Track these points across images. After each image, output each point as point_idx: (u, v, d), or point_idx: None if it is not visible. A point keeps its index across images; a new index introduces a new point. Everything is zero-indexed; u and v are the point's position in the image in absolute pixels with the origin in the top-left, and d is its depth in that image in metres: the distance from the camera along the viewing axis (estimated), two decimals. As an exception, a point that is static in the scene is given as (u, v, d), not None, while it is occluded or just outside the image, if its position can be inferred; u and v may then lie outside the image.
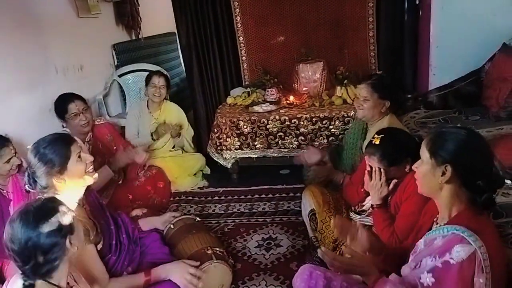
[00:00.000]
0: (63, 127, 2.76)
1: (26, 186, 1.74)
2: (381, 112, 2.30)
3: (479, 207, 1.27)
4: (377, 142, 1.84)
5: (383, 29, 3.53)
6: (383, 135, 1.85)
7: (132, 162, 2.94)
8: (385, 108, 2.28)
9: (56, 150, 1.71)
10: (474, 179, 1.25)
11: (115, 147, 3.01)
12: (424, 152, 1.34)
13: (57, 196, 1.70)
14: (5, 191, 2.24)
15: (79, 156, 1.76)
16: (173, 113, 3.56)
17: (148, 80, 3.43)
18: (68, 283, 1.36)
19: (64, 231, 1.31)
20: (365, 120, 2.42)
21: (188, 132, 3.61)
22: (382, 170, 1.85)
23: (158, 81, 3.39)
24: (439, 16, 3.09)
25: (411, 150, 1.70)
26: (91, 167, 1.82)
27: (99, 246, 1.80)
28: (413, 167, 1.43)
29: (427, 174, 1.33)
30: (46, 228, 1.27)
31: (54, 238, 1.28)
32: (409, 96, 3.28)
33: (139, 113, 3.49)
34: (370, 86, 2.30)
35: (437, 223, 1.38)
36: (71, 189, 1.75)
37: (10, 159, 2.17)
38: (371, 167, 1.89)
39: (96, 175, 1.85)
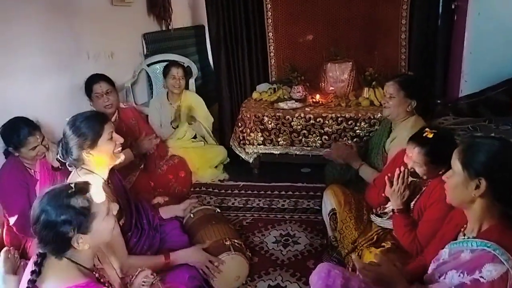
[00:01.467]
0: (90, 105, 2.83)
1: (58, 156, 1.82)
2: (407, 112, 2.27)
3: None
4: (430, 136, 1.75)
5: (415, 32, 3.48)
6: (436, 131, 1.77)
7: (153, 150, 2.99)
8: (410, 107, 2.25)
9: (90, 126, 1.79)
10: (510, 193, 1.19)
11: (138, 131, 3.05)
12: (456, 163, 1.27)
13: (86, 171, 1.77)
14: (32, 171, 2.30)
15: (111, 136, 1.84)
16: (193, 102, 3.59)
17: (166, 72, 3.45)
18: (94, 265, 1.39)
19: (76, 225, 1.25)
20: (390, 119, 2.39)
21: (207, 119, 3.63)
22: (406, 172, 1.81)
23: (177, 72, 3.42)
24: (475, 21, 3.02)
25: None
26: (119, 148, 1.88)
27: (121, 222, 1.86)
28: (443, 177, 1.37)
29: (459, 186, 1.26)
30: (63, 212, 1.23)
31: (63, 227, 1.23)
32: (438, 101, 3.21)
33: (160, 105, 3.54)
34: (397, 84, 2.28)
35: (464, 234, 1.33)
36: (98, 165, 1.82)
37: (36, 147, 2.21)
38: (391, 174, 1.85)
39: (122, 157, 1.91)
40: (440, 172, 1.76)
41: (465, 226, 1.34)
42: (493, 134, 2.41)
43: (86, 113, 1.87)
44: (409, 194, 1.85)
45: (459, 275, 1.19)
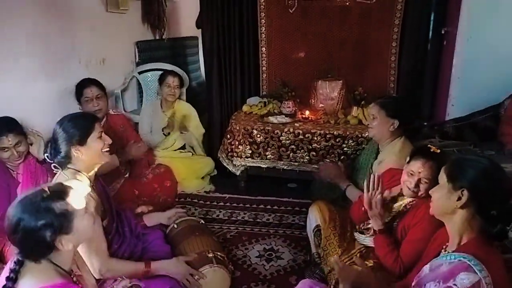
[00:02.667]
0: (79, 109, 2.83)
1: (46, 156, 1.82)
2: (391, 132, 2.31)
3: (490, 237, 1.26)
4: (438, 151, 1.75)
5: (405, 55, 3.54)
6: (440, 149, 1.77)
7: (140, 158, 3.00)
8: (393, 127, 2.29)
9: (80, 123, 1.82)
10: (489, 207, 1.24)
11: (126, 139, 3.04)
12: (442, 176, 1.34)
13: (73, 171, 1.77)
14: (15, 173, 2.26)
15: (100, 135, 1.85)
16: (185, 111, 3.61)
17: (162, 80, 3.48)
18: (72, 270, 1.36)
19: (57, 227, 1.23)
20: (376, 140, 2.44)
21: (197, 129, 3.64)
22: (382, 196, 1.82)
23: (173, 80, 3.45)
24: (464, 47, 3.09)
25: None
26: (108, 149, 1.89)
27: (105, 222, 1.85)
28: (429, 192, 1.42)
29: (443, 196, 1.33)
30: (42, 217, 1.21)
31: (45, 232, 1.22)
32: (425, 124, 3.26)
33: (152, 111, 3.54)
34: (378, 105, 2.35)
35: (445, 250, 1.36)
36: (85, 163, 1.82)
37: (6, 149, 2.15)
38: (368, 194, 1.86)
39: (109, 157, 1.94)
40: (420, 194, 1.78)
41: (447, 244, 1.38)
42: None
43: (76, 113, 1.93)
44: (388, 215, 1.86)
45: (435, 285, 1.22)
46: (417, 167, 1.75)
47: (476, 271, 1.16)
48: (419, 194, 1.78)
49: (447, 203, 1.31)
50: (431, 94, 3.58)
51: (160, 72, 3.71)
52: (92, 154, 1.83)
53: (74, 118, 1.84)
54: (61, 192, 1.29)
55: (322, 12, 3.62)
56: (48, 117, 2.77)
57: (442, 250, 1.38)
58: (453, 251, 1.29)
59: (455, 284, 1.16)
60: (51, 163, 1.81)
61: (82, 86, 2.80)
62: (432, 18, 3.46)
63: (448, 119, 3.22)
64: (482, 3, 3.00)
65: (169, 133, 3.47)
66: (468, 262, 1.18)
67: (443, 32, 3.42)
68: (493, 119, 2.96)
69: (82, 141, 1.79)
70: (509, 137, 2.68)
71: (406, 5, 3.42)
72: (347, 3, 3.56)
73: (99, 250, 1.74)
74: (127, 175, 3.04)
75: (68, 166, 1.80)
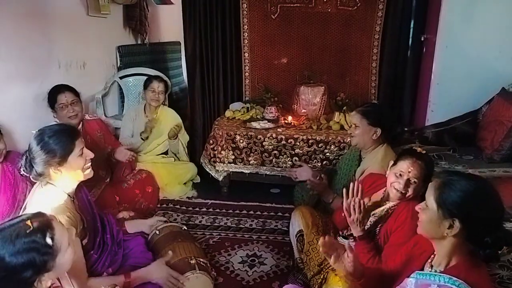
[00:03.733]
0: (54, 117, 2.78)
1: (21, 170, 1.73)
2: (373, 140, 2.32)
3: (480, 259, 1.23)
4: (423, 152, 1.79)
5: (386, 62, 3.60)
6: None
7: (124, 162, 2.97)
8: (375, 135, 2.30)
9: (61, 142, 1.72)
10: (482, 235, 1.20)
11: (104, 143, 3.01)
12: (430, 200, 1.27)
13: (51, 187, 1.69)
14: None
15: (82, 152, 1.78)
16: (169, 118, 3.55)
17: (147, 84, 3.44)
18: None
19: (40, 266, 1.15)
20: (358, 148, 2.45)
21: (184, 137, 3.61)
22: (362, 202, 1.83)
23: (158, 86, 3.41)
24: (443, 54, 3.15)
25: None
26: (89, 163, 1.83)
27: (85, 241, 1.77)
28: (416, 208, 1.37)
29: (433, 222, 1.27)
30: (24, 256, 1.12)
31: (26, 272, 1.12)
32: (405, 129, 3.31)
33: (135, 115, 3.50)
34: (360, 113, 2.36)
35: (431, 265, 1.35)
36: (64, 181, 1.75)
37: None
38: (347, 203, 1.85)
39: (91, 173, 1.86)
40: (408, 195, 1.80)
41: (432, 256, 1.36)
42: (469, 171, 2.40)
43: (55, 127, 1.80)
44: (367, 221, 1.87)
45: None
46: (406, 166, 1.77)
47: None
48: (407, 195, 1.79)
49: (437, 230, 1.26)
50: (411, 100, 3.64)
51: (141, 77, 3.68)
52: (73, 172, 1.76)
53: (53, 136, 1.72)
54: (45, 226, 1.18)
55: (304, 19, 3.66)
56: (26, 122, 2.73)
57: (428, 264, 1.36)
58: (441, 271, 1.26)
59: None
60: (22, 182, 1.75)
61: (55, 92, 2.73)
62: (412, 25, 3.52)
63: (428, 124, 3.28)
64: (458, 12, 3.06)
65: (147, 137, 3.41)
66: None
67: (422, 39, 3.49)
68: (471, 125, 3.02)
69: (62, 161, 1.72)
70: (487, 142, 2.73)
71: (387, 12, 3.49)
72: (329, 10, 3.60)
73: (78, 272, 1.67)
74: (107, 181, 3.00)
75: (47, 181, 1.74)
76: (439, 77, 3.21)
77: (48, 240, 1.16)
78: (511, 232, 1.24)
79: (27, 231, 1.13)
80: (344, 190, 1.87)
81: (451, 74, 3.15)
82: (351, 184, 1.85)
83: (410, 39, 3.55)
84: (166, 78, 3.92)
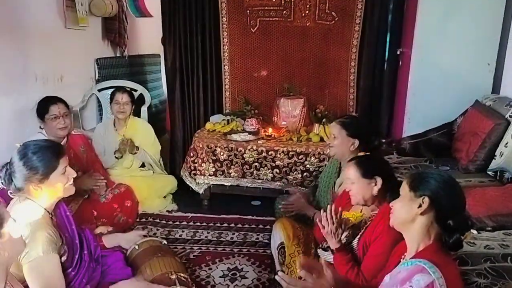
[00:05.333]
0: (40, 128, 2.74)
1: (0, 182, 1.70)
2: (351, 151, 2.35)
3: (446, 247, 1.32)
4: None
5: (363, 74, 3.67)
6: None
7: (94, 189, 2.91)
8: (353, 146, 2.34)
9: (44, 159, 1.69)
10: (447, 216, 1.31)
11: (86, 160, 2.98)
12: (404, 187, 1.40)
13: (30, 202, 1.65)
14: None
15: (65, 170, 1.74)
16: (139, 129, 3.47)
17: (112, 97, 3.36)
18: None
19: None
20: (336, 158, 2.48)
21: (153, 147, 3.51)
22: (336, 212, 1.86)
23: (122, 97, 3.31)
24: (418, 67, 3.23)
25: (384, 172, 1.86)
26: (71, 182, 1.80)
27: (63, 259, 1.73)
28: (390, 204, 1.47)
29: (404, 206, 1.38)
30: None
31: None
32: (383, 141, 3.36)
33: (104, 131, 3.41)
34: (339, 124, 2.39)
35: (404, 259, 1.41)
36: (44, 198, 1.72)
37: None
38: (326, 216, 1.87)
39: (73, 190, 1.83)
40: (374, 190, 1.84)
41: (405, 254, 1.43)
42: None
43: (40, 142, 1.76)
44: (343, 232, 1.88)
45: None
46: (346, 171, 1.93)
47: (430, 272, 1.22)
48: (365, 199, 1.88)
49: (408, 211, 1.37)
50: (389, 112, 3.72)
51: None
52: (54, 190, 1.73)
53: (38, 152, 1.68)
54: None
55: (283, 32, 3.71)
56: (1, 136, 2.67)
57: (402, 260, 1.43)
58: (410, 258, 1.35)
59: (411, 286, 1.22)
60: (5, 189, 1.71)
61: (48, 103, 2.71)
62: (388, 39, 3.61)
63: (405, 136, 3.34)
64: (433, 27, 3.15)
65: (121, 157, 3.33)
66: (423, 265, 1.25)
67: (398, 53, 3.58)
68: (447, 136, 3.09)
69: (43, 179, 1.69)
70: (462, 153, 2.80)
71: (364, 26, 3.57)
72: (308, 24, 3.67)
73: None
74: (86, 196, 2.94)
75: (26, 197, 1.70)
76: (415, 89, 3.28)
77: None
78: (468, 217, 1.36)
79: None
80: (322, 212, 1.89)
81: (427, 86, 3.23)
82: (328, 207, 1.87)
83: (387, 53, 3.64)
84: (145, 91, 3.88)
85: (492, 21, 3.08)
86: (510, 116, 2.59)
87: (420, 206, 1.34)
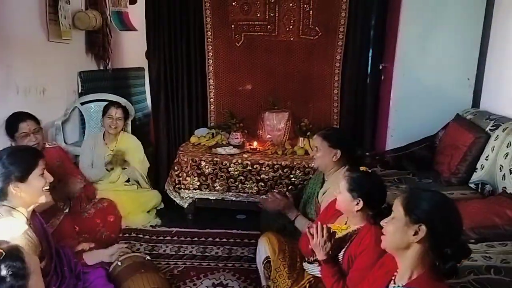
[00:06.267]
0: (11, 145, 2.65)
1: None
2: (334, 162, 2.37)
3: (440, 274, 1.27)
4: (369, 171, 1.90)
5: (347, 88, 3.73)
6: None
7: (76, 194, 2.88)
8: (335, 157, 2.35)
9: (24, 158, 1.72)
10: (444, 244, 1.25)
11: (63, 173, 2.89)
12: (399, 209, 1.32)
13: (7, 208, 1.64)
14: None
15: (43, 172, 1.76)
16: (130, 145, 3.47)
17: (105, 111, 3.36)
18: None
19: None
20: (321, 170, 2.50)
21: (142, 164, 3.51)
22: (324, 226, 1.85)
23: (115, 112, 3.32)
24: (400, 82, 3.29)
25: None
26: (47, 186, 1.80)
27: (42, 264, 1.70)
28: (381, 223, 1.41)
29: (399, 230, 1.31)
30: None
31: None
32: (367, 153, 3.39)
33: (94, 144, 3.39)
34: (321, 136, 2.43)
35: (394, 282, 1.37)
36: (23, 201, 1.72)
37: None
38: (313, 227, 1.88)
39: (49, 197, 1.83)
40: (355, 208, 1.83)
41: (395, 274, 1.38)
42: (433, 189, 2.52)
43: (19, 146, 1.85)
44: (331, 245, 1.88)
45: None
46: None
47: None
48: (354, 209, 1.86)
49: (403, 237, 1.30)
50: (372, 126, 3.76)
51: (103, 103, 3.60)
52: (32, 192, 1.74)
53: (16, 152, 1.73)
54: (14, 249, 1.20)
55: (268, 47, 3.75)
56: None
57: (392, 282, 1.39)
58: (403, 286, 1.29)
59: None
60: None
61: (17, 120, 2.65)
62: (370, 54, 3.67)
63: (388, 149, 3.38)
64: (414, 42, 3.23)
65: (112, 169, 3.31)
66: None
67: (381, 67, 3.64)
68: (429, 149, 3.14)
69: (23, 178, 1.70)
70: (444, 166, 2.84)
71: (347, 42, 3.64)
72: (292, 39, 3.71)
73: None
74: (66, 211, 2.87)
75: (3, 203, 1.68)
76: (397, 103, 3.33)
77: (23, 263, 1.17)
78: (466, 244, 1.31)
79: (1, 258, 1.15)
80: (307, 231, 1.90)
81: (409, 100, 3.29)
82: (318, 225, 1.86)
83: (369, 67, 3.70)
84: (125, 103, 3.86)
85: (472, 37, 3.17)
86: (490, 129, 2.65)
87: (416, 233, 1.27)
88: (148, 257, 2.35)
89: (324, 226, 1.84)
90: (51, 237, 1.96)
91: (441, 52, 3.21)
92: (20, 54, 3.18)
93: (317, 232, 1.83)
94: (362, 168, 2.00)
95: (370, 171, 1.93)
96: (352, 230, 1.93)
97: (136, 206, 3.33)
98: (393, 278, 1.39)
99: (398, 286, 1.32)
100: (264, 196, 2.87)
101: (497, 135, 2.54)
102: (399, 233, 1.31)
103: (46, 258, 1.80)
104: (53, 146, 2.97)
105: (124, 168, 3.34)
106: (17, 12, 3.13)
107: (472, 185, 2.64)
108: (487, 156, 2.55)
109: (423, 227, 1.26)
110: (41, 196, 1.79)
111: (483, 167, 2.55)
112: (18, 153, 1.74)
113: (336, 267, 1.85)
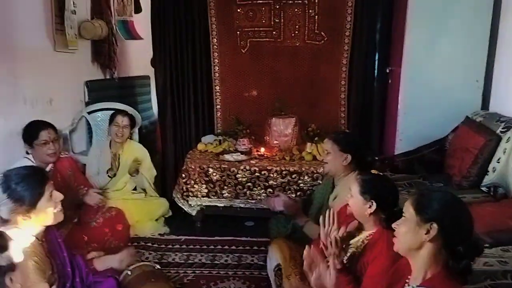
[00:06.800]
0: (27, 153, 2.70)
1: None
2: (344, 167, 2.34)
3: (454, 273, 1.26)
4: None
5: (354, 92, 3.71)
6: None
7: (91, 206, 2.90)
8: (346, 161, 2.33)
9: (29, 188, 1.65)
10: (456, 242, 1.25)
11: (74, 183, 2.92)
12: (409, 209, 1.33)
13: (17, 230, 1.60)
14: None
15: (51, 195, 1.71)
16: (136, 153, 3.44)
17: (112, 119, 3.36)
18: None
19: (3, 269, 1.20)
20: (330, 174, 2.47)
21: (149, 172, 3.49)
22: (338, 238, 1.83)
23: (122, 120, 3.32)
24: (408, 85, 3.26)
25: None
26: (59, 206, 1.75)
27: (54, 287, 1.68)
28: (393, 225, 1.42)
29: (410, 231, 1.31)
30: None
31: None
32: (376, 158, 3.36)
33: (100, 152, 3.39)
34: (331, 140, 2.40)
35: (408, 285, 1.36)
36: (34, 226, 1.68)
37: None
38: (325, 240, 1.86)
39: (62, 216, 1.78)
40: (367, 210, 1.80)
41: (409, 277, 1.37)
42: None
43: (21, 171, 1.72)
44: (344, 254, 1.86)
45: None
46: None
47: None
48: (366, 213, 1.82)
49: (415, 238, 1.30)
50: (380, 129, 3.74)
51: (110, 112, 3.60)
52: (43, 217, 1.69)
53: (21, 182, 1.65)
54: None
55: (274, 52, 3.75)
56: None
57: (406, 285, 1.38)
58: (417, 286, 1.28)
59: None
60: None
61: (38, 128, 2.68)
62: (377, 58, 3.65)
63: (397, 153, 3.35)
64: (422, 45, 3.21)
65: (114, 175, 3.30)
66: None
67: (388, 71, 3.62)
68: (439, 153, 3.11)
69: (31, 208, 1.65)
70: (455, 169, 2.81)
71: (353, 46, 3.62)
72: (297, 44, 3.71)
73: None
74: (75, 220, 2.88)
75: (14, 227, 1.64)
76: (406, 107, 3.31)
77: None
78: (479, 241, 1.32)
79: None
80: (321, 218, 1.86)
81: (417, 104, 3.26)
82: (327, 212, 1.85)
83: (376, 71, 3.68)
84: (132, 111, 3.86)
85: (479, 39, 3.14)
86: (501, 131, 2.62)
87: (427, 232, 1.27)
88: (157, 266, 2.34)
89: (337, 237, 1.81)
90: (66, 251, 1.94)
91: (448, 55, 3.19)
92: (27, 65, 3.19)
93: (330, 243, 1.80)
94: (373, 171, 1.98)
95: (381, 174, 1.91)
96: (364, 236, 1.90)
97: (144, 214, 3.32)
98: (407, 281, 1.38)
99: (413, 287, 1.30)
100: (269, 197, 2.82)
101: (509, 137, 2.51)
102: (411, 233, 1.32)
103: (58, 280, 1.76)
104: (65, 156, 2.98)
105: (133, 176, 3.33)
106: (24, 23, 3.15)
107: (484, 188, 2.61)
108: (498, 159, 2.52)
109: (435, 225, 1.26)
110: (52, 219, 1.74)
111: (495, 169, 2.52)
112: (21, 184, 1.65)
113: (350, 276, 1.82)
